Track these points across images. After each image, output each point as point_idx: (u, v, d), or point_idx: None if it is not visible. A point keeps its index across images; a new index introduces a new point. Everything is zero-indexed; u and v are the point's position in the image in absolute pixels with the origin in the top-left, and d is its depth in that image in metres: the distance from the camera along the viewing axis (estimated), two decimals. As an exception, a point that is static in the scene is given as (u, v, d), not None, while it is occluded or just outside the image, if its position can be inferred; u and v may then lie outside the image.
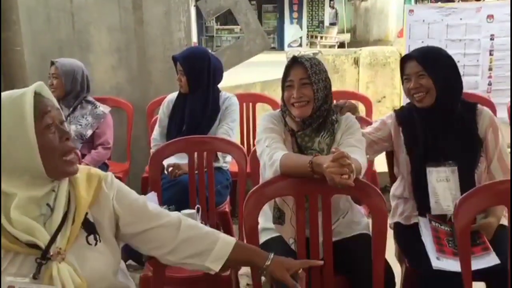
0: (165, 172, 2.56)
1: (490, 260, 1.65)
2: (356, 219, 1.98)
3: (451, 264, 1.66)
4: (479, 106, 2.05)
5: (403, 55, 3.92)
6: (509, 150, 2.07)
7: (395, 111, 2.19)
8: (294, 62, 1.90)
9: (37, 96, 1.23)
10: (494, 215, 1.85)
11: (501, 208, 1.80)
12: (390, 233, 1.93)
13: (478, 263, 1.63)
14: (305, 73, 1.88)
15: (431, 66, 1.96)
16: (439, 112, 1.98)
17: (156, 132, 2.89)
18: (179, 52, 2.89)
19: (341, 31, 16.89)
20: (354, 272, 1.76)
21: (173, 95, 2.88)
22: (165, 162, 2.51)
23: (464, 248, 1.54)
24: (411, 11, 3.83)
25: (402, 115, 2.11)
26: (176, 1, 3.46)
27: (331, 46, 16.88)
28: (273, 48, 17.30)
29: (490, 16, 3.78)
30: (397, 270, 2.06)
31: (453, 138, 1.98)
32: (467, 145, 1.98)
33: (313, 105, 1.88)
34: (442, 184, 1.96)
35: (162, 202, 2.21)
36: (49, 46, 3.41)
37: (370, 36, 17.42)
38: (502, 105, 3.36)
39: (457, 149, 1.96)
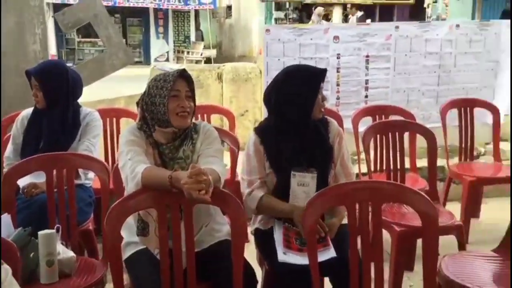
0: (21, 192, 2.42)
1: (328, 254, 1.88)
2: (218, 227, 2.09)
3: (296, 258, 1.85)
4: (328, 119, 2.31)
5: (263, 71, 4.20)
6: (353, 157, 2.36)
7: (255, 130, 2.30)
8: (181, 75, 1.98)
9: None
10: (337, 215, 2.08)
11: (343, 209, 2.03)
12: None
13: (319, 257, 1.84)
14: (188, 86, 2.00)
15: None
16: (297, 126, 2.18)
17: (9, 150, 2.70)
18: (34, 66, 2.76)
19: (208, 47, 17.23)
20: (216, 278, 1.85)
21: (28, 111, 2.74)
22: (20, 182, 2.38)
23: (311, 244, 1.71)
24: (267, 30, 4.10)
25: (264, 133, 2.24)
26: (30, 12, 3.29)
27: (198, 61, 17.12)
28: (139, 63, 17.01)
29: (336, 37, 4.20)
30: (260, 274, 2.21)
31: (312, 148, 2.20)
32: (323, 153, 2.22)
33: (191, 117, 2.00)
34: (302, 188, 2.16)
35: (17, 225, 2.09)
36: None
37: (235, 51, 18.02)
38: (347, 117, 3.75)
39: (316, 158, 2.19)
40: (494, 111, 3.80)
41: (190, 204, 1.76)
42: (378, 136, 3.15)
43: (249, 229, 2.35)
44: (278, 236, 2.04)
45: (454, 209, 3.60)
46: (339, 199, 1.75)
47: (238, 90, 4.90)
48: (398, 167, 3.04)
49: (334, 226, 2.06)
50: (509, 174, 3.50)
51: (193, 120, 2.07)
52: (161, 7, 16.00)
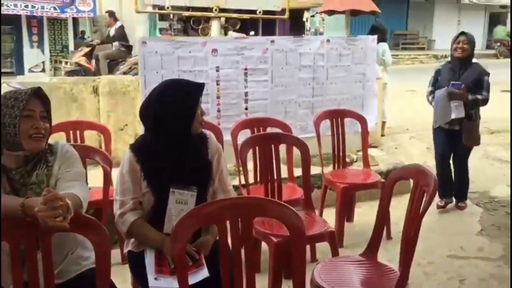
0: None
1: (202, 274, 1.85)
2: (87, 254, 1.96)
3: (168, 282, 1.80)
4: (207, 134, 2.29)
5: (141, 84, 4.07)
6: (235, 168, 2.36)
7: (130, 147, 2.21)
8: (35, 94, 1.83)
9: None
10: (210, 233, 2.06)
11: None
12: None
13: (192, 279, 1.80)
14: (44, 106, 1.85)
15: None
16: (176, 142, 2.13)
17: None
18: None
19: (88, 56, 16.43)
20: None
21: None
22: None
23: (181, 267, 1.66)
24: (144, 43, 3.99)
25: (140, 151, 2.16)
26: None
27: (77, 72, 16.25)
28: (11, 73, 15.72)
29: (214, 50, 4.22)
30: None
31: (192, 164, 2.15)
32: (202, 170, 2.19)
33: (47, 139, 1.86)
34: (180, 206, 2.10)
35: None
36: None
37: (120, 62, 17.43)
38: (229, 129, 3.78)
39: (195, 174, 2.14)
40: (362, 120, 4.07)
41: (48, 233, 1.61)
42: (257, 148, 3.21)
43: (124, 250, 2.25)
44: (149, 260, 1.96)
45: (331, 215, 3.81)
46: (208, 219, 1.72)
47: (116, 104, 4.71)
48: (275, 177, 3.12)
49: (207, 243, 2.03)
50: (377, 180, 3.77)
51: (50, 142, 1.92)
52: (34, 14, 14.92)
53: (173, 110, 2.10)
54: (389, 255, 3.28)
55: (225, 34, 4.37)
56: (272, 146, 3.11)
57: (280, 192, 3.08)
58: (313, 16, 19.12)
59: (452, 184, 4.39)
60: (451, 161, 4.38)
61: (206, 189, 2.20)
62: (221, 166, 2.28)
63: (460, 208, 4.39)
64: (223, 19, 4.65)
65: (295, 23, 19.91)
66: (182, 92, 2.14)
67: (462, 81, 4.04)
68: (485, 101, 4.09)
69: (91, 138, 4.57)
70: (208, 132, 2.33)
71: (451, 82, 4.06)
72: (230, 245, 1.74)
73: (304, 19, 20.09)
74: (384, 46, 6.35)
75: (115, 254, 3.05)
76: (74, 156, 1.92)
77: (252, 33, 19.26)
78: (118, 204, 2.13)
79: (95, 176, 3.16)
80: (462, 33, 4.26)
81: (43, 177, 1.83)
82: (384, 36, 6.44)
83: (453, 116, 4.06)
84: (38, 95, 1.85)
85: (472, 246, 3.67)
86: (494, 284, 3.15)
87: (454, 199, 4.44)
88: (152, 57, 4.01)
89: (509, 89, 10.90)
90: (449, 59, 4.36)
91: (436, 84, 4.29)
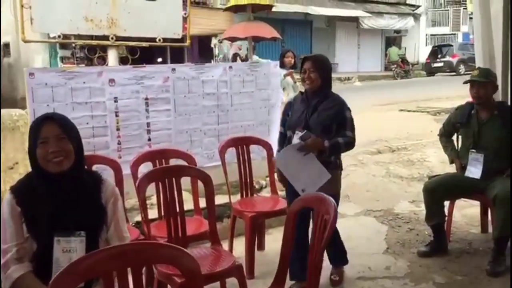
0: None
1: None
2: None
3: None
4: (103, 178, 2.14)
5: (29, 118, 3.76)
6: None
7: (11, 188, 2.02)
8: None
9: None
10: (100, 283, 1.87)
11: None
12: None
13: None
14: None
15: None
16: (68, 180, 1.96)
17: None
18: None
19: (-19, 88, 15.26)
20: None
21: None
22: None
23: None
24: (31, 74, 3.68)
25: (21, 194, 1.96)
26: None
27: (-30, 105, 15.03)
28: None
29: (112, 80, 4.01)
30: None
31: (80, 207, 1.97)
32: (93, 214, 2.02)
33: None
34: (68, 255, 1.90)
35: None
36: None
37: (17, 93, 16.38)
38: (127, 162, 3.57)
39: (84, 218, 1.95)
40: (267, 146, 4.05)
41: None
42: (159, 182, 3.05)
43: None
44: None
45: (241, 244, 3.71)
46: (90, 273, 1.54)
47: (5, 141, 4.30)
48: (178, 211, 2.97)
49: None
50: (285, 206, 3.74)
51: None
52: None
53: (27, 149, 2.01)
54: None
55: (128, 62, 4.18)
56: (174, 179, 2.96)
57: (183, 227, 2.93)
58: (221, 42, 19.31)
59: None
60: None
61: (97, 233, 2.02)
62: (117, 212, 2.11)
63: (334, 282, 3.41)
64: (123, 48, 4.43)
65: (203, 49, 20.03)
66: (31, 129, 2.05)
67: (319, 116, 3.15)
68: (349, 144, 3.14)
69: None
70: (104, 177, 2.16)
71: (296, 131, 3.18)
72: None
73: (212, 45, 20.25)
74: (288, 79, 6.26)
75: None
76: None
77: (159, 59, 19.08)
78: (1, 254, 1.89)
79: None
80: (306, 58, 3.26)
81: None
82: (295, 62, 6.38)
83: (321, 182, 3.06)
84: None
85: (380, 265, 3.74)
86: (401, 303, 3.21)
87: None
88: (41, 90, 3.72)
89: (406, 108, 11.67)
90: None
91: (286, 124, 3.39)
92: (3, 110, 4.54)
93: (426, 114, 10.57)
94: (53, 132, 1.96)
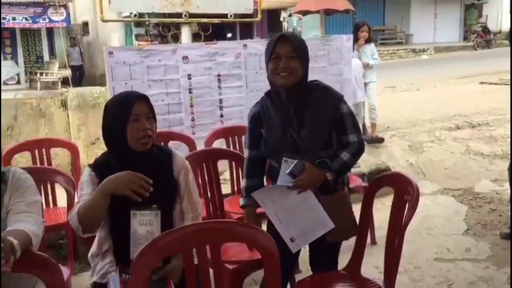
0: None
1: None
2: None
3: None
4: (173, 151, 2.16)
5: (109, 96, 3.91)
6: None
7: (89, 166, 2.07)
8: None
9: None
10: (178, 257, 1.91)
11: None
12: None
13: None
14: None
15: None
16: (144, 157, 1.99)
17: None
18: None
19: (63, 66, 16.14)
20: None
21: None
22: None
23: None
24: (110, 53, 3.81)
25: (99, 169, 2.02)
26: None
27: (54, 83, 15.96)
28: (-15, 87, 15.36)
29: (185, 58, 4.07)
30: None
31: (154, 182, 1.99)
32: (166, 188, 2.05)
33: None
34: (145, 227, 1.95)
35: None
36: None
37: (96, 70, 17.18)
38: (200, 139, 3.63)
39: (158, 192, 1.99)
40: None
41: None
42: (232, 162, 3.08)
43: (90, 281, 2.10)
44: None
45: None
46: (171, 249, 1.57)
47: (87, 117, 4.53)
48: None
49: (176, 269, 1.88)
50: (358, 184, 3.65)
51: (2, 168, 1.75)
52: (5, 25, 14.58)
53: (108, 125, 2.01)
54: (375, 260, 3.16)
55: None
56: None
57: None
58: (290, 16, 19.05)
59: None
60: None
61: (171, 208, 2.06)
62: (189, 184, 2.13)
63: None
64: (195, 25, 4.47)
65: (272, 23, 19.87)
66: (114, 106, 2.02)
67: (311, 129, 2.14)
68: (357, 155, 2.19)
69: (62, 155, 4.41)
70: (174, 149, 2.20)
71: (283, 159, 2.13)
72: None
73: (281, 19, 20.03)
74: (372, 46, 6.13)
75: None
76: (26, 184, 1.75)
77: (229, 35, 19.19)
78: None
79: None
80: (281, 38, 2.14)
81: None
82: (370, 36, 6.17)
83: (319, 232, 2.15)
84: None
85: (459, 247, 3.58)
86: (483, 286, 3.05)
87: None
88: (119, 68, 3.84)
89: (487, 81, 10.96)
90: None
91: (256, 145, 2.30)
92: (85, 88, 4.78)
93: (509, 87, 9.89)
94: (144, 111, 1.98)
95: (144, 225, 1.95)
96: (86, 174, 2.02)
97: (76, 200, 2.03)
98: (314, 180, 2.11)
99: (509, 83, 10.15)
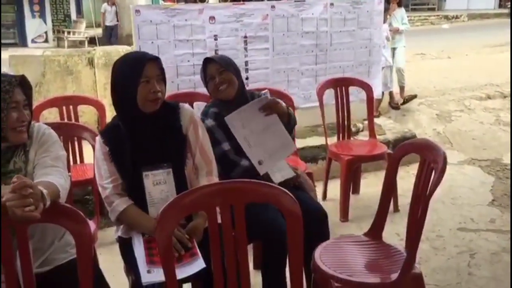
0: None
1: (197, 265, 1.71)
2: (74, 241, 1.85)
3: (162, 274, 1.66)
4: (180, 104, 2.13)
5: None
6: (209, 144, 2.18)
7: (99, 132, 2.13)
8: (20, 84, 1.74)
9: None
10: (200, 216, 1.93)
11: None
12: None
13: (185, 271, 1.68)
14: (25, 94, 1.79)
15: None
16: (143, 117, 1.98)
17: None
18: None
19: (90, 25, 16.15)
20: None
21: None
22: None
23: (166, 259, 1.54)
24: (137, 11, 3.79)
25: (107, 134, 2.03)
26: None
27: (81, 42, 16.03)
28: (14, 44, 15.56)
29: (212, 18, 4.01)
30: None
31: (162, 140, 2.01)
32: (175, 144, 2.04)
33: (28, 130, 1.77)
34: (159, 187, 1.98)
35: None
36: None
37: (123, 31, 17.10)
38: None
39: (167, 150, 2.00)
40: (367, 88, 3.88)
41: (20, 224, 1.49)
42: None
43: (114, 236, 2.15)
44: (139, 250, 1.83)
45: (336, 186, 3.69)
46: (194, 207, 1.59)
47: (113, 76, 4.55)
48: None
49: (198, 228, 1.91)
50: (383, 151, 3.62)
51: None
52: (34, -17, 14.62)
53: (118, 86, 1.98)
54: (396, 228, 3.18)
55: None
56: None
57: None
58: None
59: None
60: None
61: (182, 164, 2.04)
62: (199, 138, 2.09)
63: None
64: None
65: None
66: (125, 67, 1.96)
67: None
68: (295, 120, 2.54)
69: (90, 112, 4.46)
70: (180, 104, 2.14)
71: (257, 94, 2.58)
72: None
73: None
74: (402, 11, 6.02)
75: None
76: (51, 139, 1.78)
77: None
78: (100, 189, 2.02)
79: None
80: (209, 59, 2.50)
81: (21, 164, 1.71)
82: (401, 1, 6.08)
83: (284, 154, 2.48)
84: (21, 84, 1.72)
85: (484, 217, 3.54)
86: (506, 258, 3.02)
87: None
88: (146, 27, 3.81)
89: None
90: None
91: (228, 153, 2.44)
92: (112, 47, 4.78)
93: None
94: (155, 72, 1.95)
95: (158, 184, 1.97)
96: (97, 144, 2.04)
97: (96, 177, 2.05)
98: (280, 105, 2.40)
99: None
